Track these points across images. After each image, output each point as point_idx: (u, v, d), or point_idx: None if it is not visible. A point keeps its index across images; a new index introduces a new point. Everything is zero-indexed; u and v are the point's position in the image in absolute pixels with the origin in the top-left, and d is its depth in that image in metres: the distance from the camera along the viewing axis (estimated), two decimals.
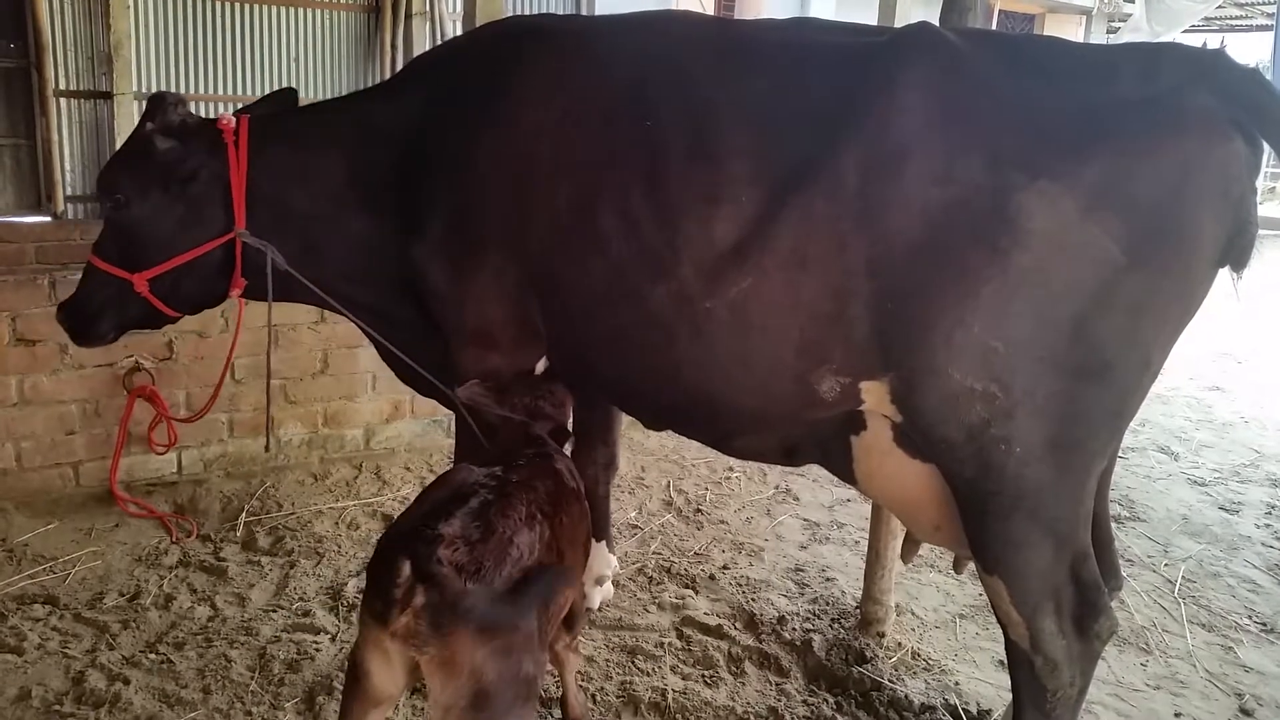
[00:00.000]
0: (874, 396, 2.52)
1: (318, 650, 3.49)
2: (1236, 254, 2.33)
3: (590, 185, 2.71)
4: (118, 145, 8.83)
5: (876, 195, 2.36)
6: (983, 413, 2.34)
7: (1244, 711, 3.49)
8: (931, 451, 2.51)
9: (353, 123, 3.26)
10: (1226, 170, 2.24)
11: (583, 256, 2.74)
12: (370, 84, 10.14)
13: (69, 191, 9.05)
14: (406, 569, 2.07)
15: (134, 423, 4.64)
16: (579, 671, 3.42)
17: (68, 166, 9.04)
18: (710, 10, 12.90)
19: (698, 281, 2.55)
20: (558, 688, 3.17)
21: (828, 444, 2.76)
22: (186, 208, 3.16)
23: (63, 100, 8.89)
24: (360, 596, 3.81)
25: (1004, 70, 2.41)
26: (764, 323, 2.52)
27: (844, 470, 2.80)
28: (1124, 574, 4.40)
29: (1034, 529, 2.44)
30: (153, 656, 3.43)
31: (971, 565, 2.99)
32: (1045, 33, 17.46)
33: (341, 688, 3.20)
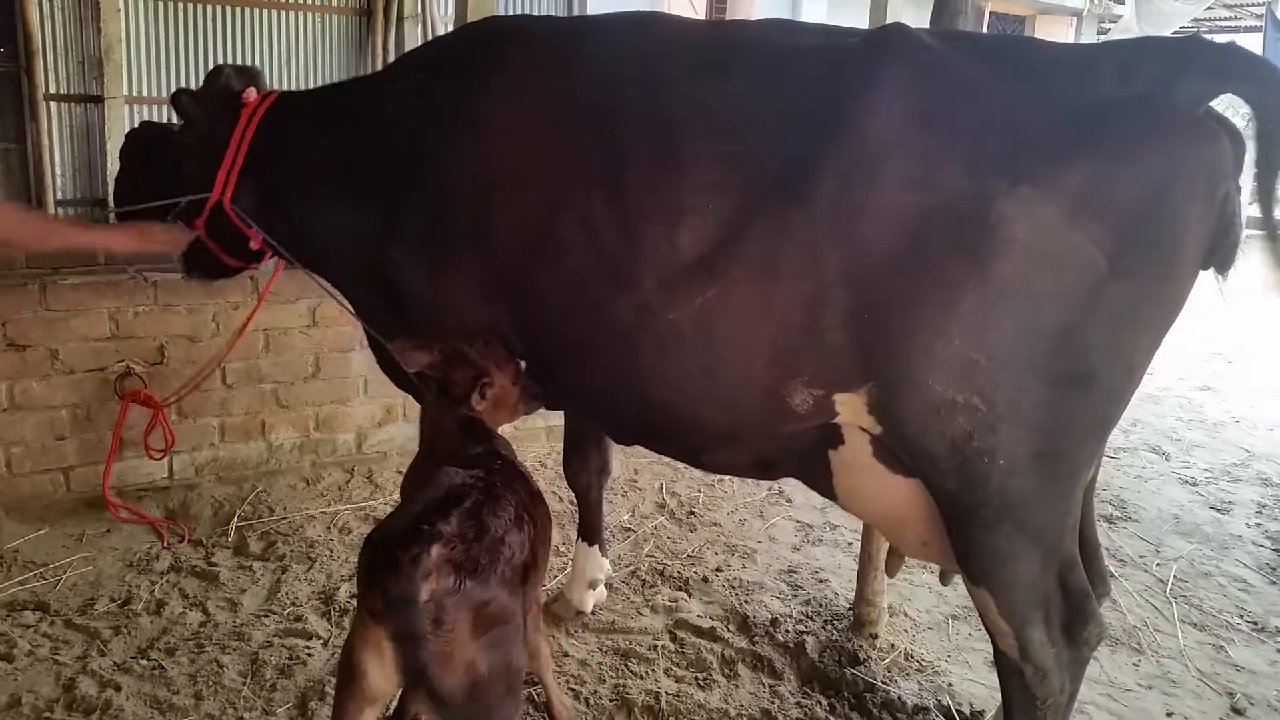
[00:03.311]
0: (849, 409, 2.45)
1: (310, 655, 3.48)
2: (1222, 256, 2.28)
3: (555, 191, 2.65)
4: (109, 150, 8.83)
5: (851, 202, 2.28)
6: (965, 425, 2.28)
7: (1235, 710, 3.50)
8: (914, 464, 2.45)
9: (347, 108, 3.33)
10: (1212, 170, 2.19)
11: (547, 264, 2.68)
12: None
13: (59, 196, 9.00)
14: (415, 569, 2.10)
15: (127, 428, 4.62)
16: (571, 675, 3.42)
17: (58, 171, 9.00)
18: (701, 11, 12.90)
19: (660, 292, 2.48)
20: (536, 694, 3.18)
21: (805, 459, 2.69)
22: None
23: (53, 104, 8.85)
24: (354, 599, 3.83)
25: (982, 72, 2.34)
26: (731, 334, 2.44)
27: (824, 486, 2.73)
28: (1116, 574, 4.43)
29: (1020, 540, 2.39)
30: (144, 663, 3.42)
31: (957, 575, 2.98)
32: (1035, 34, 17.52)
33: (334, 692, 3.22)
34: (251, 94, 3.39)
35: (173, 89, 9.69)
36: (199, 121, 3.39)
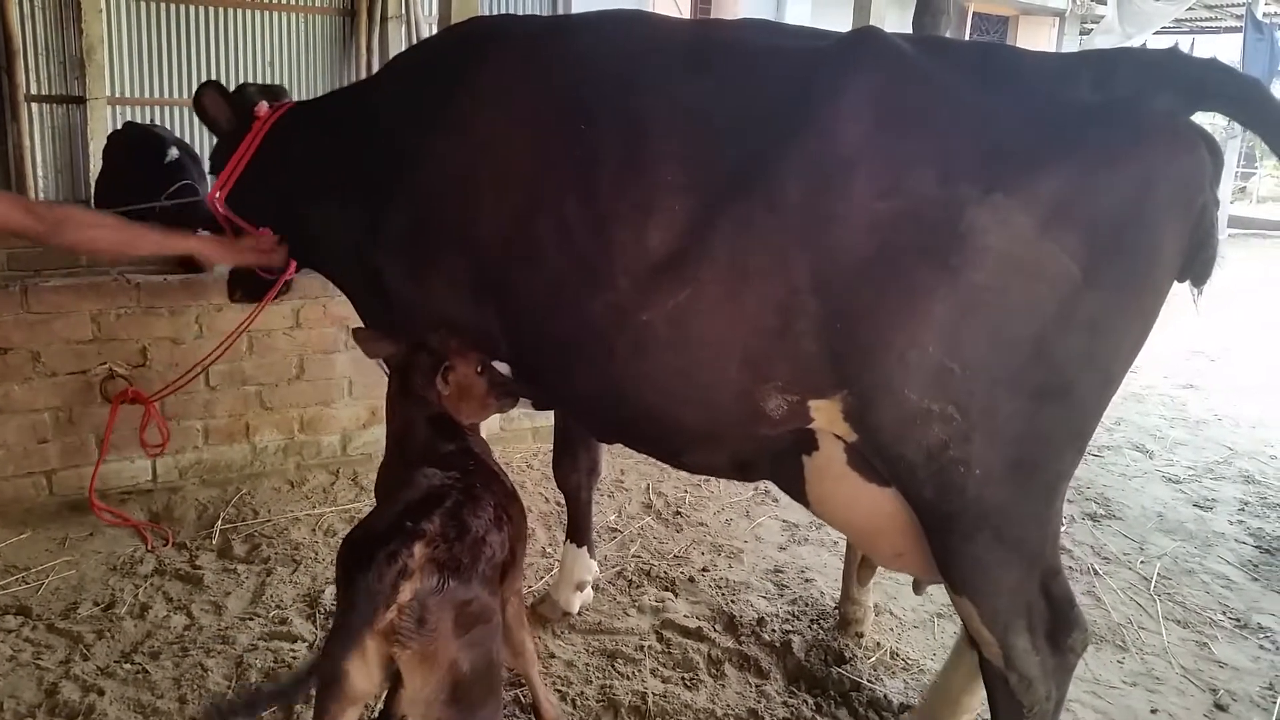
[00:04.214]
0: (825, 415, 2.43)
1: (295, 658, 3.47)
2: (1198, 268, 2.25)
3: (532, 192, 2.65)
4: (91, 150, 8.78)
5: (821, 208, 2.24)
6: (940, 434, 2.25)
7: (1219, 706, 3.52)
8: (891, 472, 2.42)
9: (340, 114, 3.43)
10: (1189, 181, 2.15)
11: (526, 265, 2.68)
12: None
13: (41, 197, 8.96)
14: (393, 566, 2.09)
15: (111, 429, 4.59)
16: (558, 676, 3.42)
17: (40, 172, 8.95)
18: (686, 11, 12.90)
19: (634, 293, 2.47)
20: (524, 695, 3.18)
21: (780, 463, 2.66)
22: None
23: (34, 105, 8.81)
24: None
25: (956, 78, 2.30)
26: (704, 337, 2.42)
27: (797, 492, 2.71)
28: (1100, 571, 4.47)
29: (999, 549, 2.37)
30: (128, 667, 3.39)
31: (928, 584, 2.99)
32: (1018, 35, 17.62)
33: (315, 692, 3.20)
34: (263, 107, 3.52)
35: (155, 90, 9.69)
36: (221, 130, 3.57)
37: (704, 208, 2.38)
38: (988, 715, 2.67)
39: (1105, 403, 2.38)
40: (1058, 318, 2.17)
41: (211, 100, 3.53)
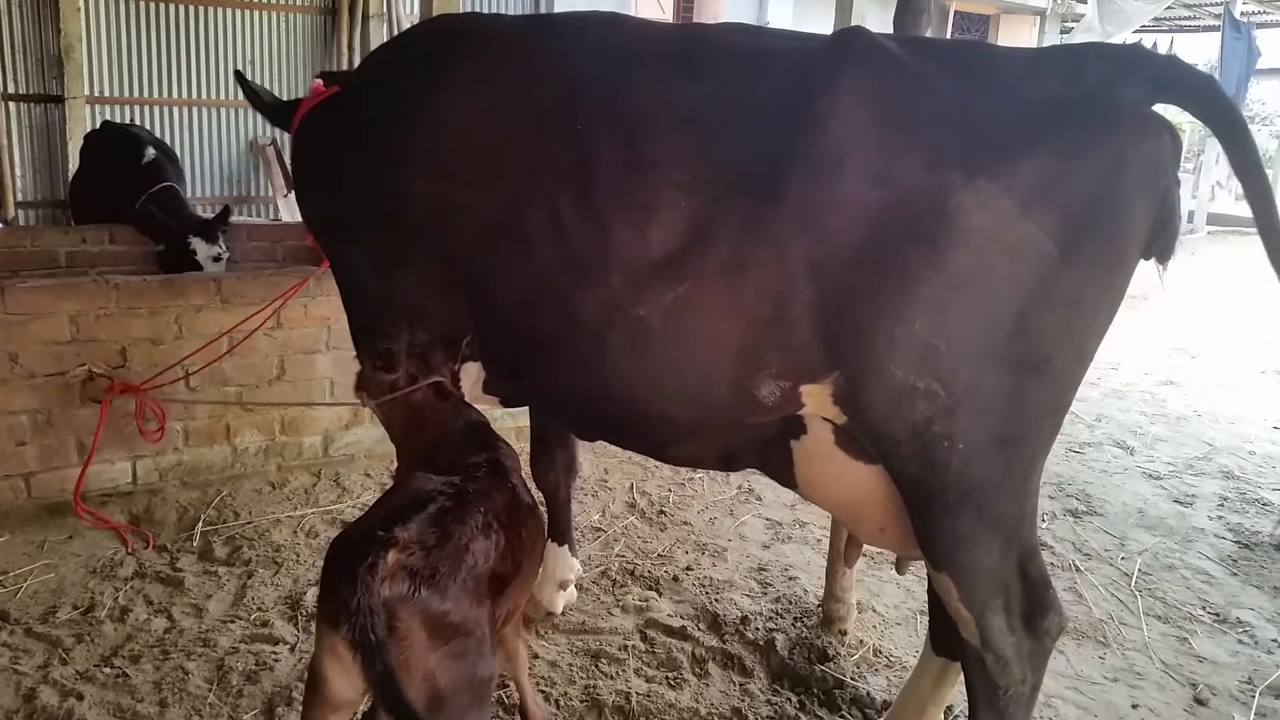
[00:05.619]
0: (815, 400, 2.50)
1: (276, 661, 3.45)
2: (1162, 246, 2.37)
3: (517, 189, 2.66)
4: (69, 150, 8.72)
5: (817, 198, 2.34)
6: (925, 410, 2.34)
7: (1199, 701, 3.55)
8: (877, 450, 2.50)
9: (325, 113, 3.36)
10: (1155, 164, 2.28)
11: (509, 262, 2.70)
12: None
13: (20, 197, 8.89)
14: (363, 572, 2.05)
15: (88, 432, 4.55)
16: (542, 677, 3.41)
17: (18, 172, 8.88)
18: (669, 13, 12.91)
19: (630, 289, 2.51)
20: (508, 695, 3.17)
21: (767, 450, 2.73)
22: None
23: (12, 104, 8.74)
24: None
25: (938, 73, 2.41)
26: (700, 329, 2.48)
27: (785, 476, 2.77)
28: (1082, 568, 4.49)
29: (980, 525, 2.44)
30: (108, 670, 3.37)
31: (913, 564, 3.02)
32: (999, 33, 17.71)
33: (301, 698, 3.19)
34: (318, 84, 3.45)
35: (134, 89, 9.62)
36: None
37: (706, 204, 2.44)
38: (967, 711, 2.68)
39: (1081, 376, 2.47)
40: (1037, 294, 2.28)
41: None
